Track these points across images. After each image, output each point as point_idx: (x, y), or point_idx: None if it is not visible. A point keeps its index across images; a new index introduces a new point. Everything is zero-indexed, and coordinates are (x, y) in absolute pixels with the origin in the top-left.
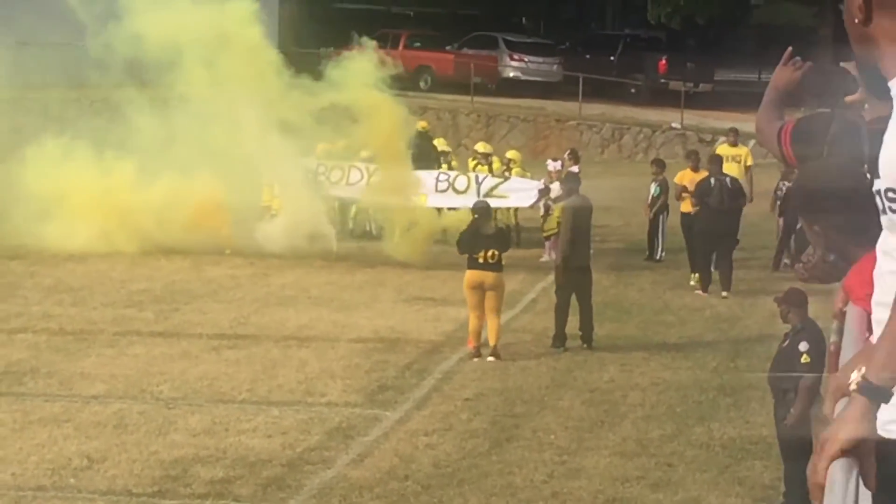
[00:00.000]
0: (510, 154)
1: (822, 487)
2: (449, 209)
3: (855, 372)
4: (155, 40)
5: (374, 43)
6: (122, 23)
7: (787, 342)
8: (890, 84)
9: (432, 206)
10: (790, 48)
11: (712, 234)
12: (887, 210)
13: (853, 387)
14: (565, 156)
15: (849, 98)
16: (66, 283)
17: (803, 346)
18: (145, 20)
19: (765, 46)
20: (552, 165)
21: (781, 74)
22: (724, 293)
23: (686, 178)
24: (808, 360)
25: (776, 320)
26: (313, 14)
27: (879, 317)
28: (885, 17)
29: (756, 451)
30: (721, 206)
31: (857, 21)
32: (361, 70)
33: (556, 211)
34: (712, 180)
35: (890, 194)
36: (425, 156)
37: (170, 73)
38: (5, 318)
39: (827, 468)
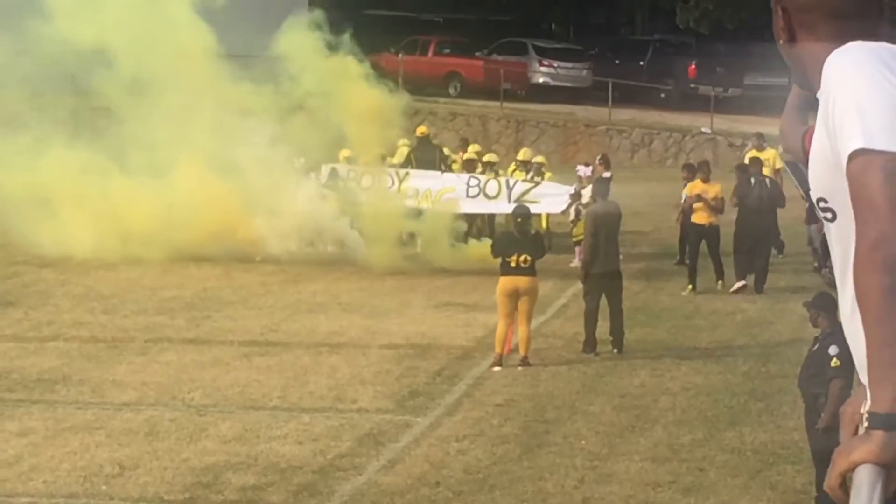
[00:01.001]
0: (538, 158)
1: (838, 495)
2: (420, 213)
3: (863, 406)
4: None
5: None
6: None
7: (816, 346)
8: (818, 96)
9: (465, 212)
10: None
11: (751, 234)
12: (822, 220)
13: (865, 424)
14: (596, 161)
15: None
16: (96, 290)
17: (833, 350)
18: (78, 20)
19: None
20: (582, 171)
21: None
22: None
23: (696, 188)
24: (838, 363)
25: (807, 325)
26: (343, 21)
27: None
28: (806, 35)
29: (787, 456)
30: (760, 204)
31: (781, 41)
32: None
33: None
34: (752, 179)
35: (822, 204)
36: (428, 162)
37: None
38: (37, 326)
39: (839, 482)
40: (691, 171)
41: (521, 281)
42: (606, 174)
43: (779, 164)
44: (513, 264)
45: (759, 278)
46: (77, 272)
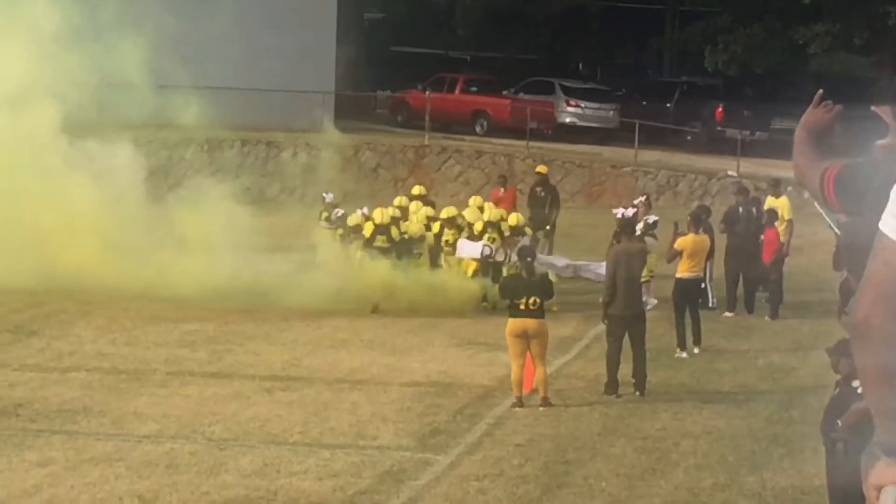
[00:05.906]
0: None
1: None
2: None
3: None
4: None
5: None
6: None
7: (837, 391)
8: None
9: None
10: (821, 91)
11: (739, 258)
12: None
13: (876, 448)
14: (641, 201)
15: (880, 143)
16: (119, 322)
17: (856, 384)
18: None
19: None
20: (620, 213)
21: (812, 116)
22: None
23: (687, 242)
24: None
25: (830, 371)
26: (370, 57)
27: None
28: None
29: (808, 502)
30: (748, 230)
31: None
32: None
33: None
34: (740, 209)
35: None
36: (540, 202)
37: None
38: (59, 357)
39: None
40: (706, 213)
41: (530, 323)
42: (651, 218)
43: (788, 215)
44: (521, 306)
45: (749, 301)
46: (100, 303)
